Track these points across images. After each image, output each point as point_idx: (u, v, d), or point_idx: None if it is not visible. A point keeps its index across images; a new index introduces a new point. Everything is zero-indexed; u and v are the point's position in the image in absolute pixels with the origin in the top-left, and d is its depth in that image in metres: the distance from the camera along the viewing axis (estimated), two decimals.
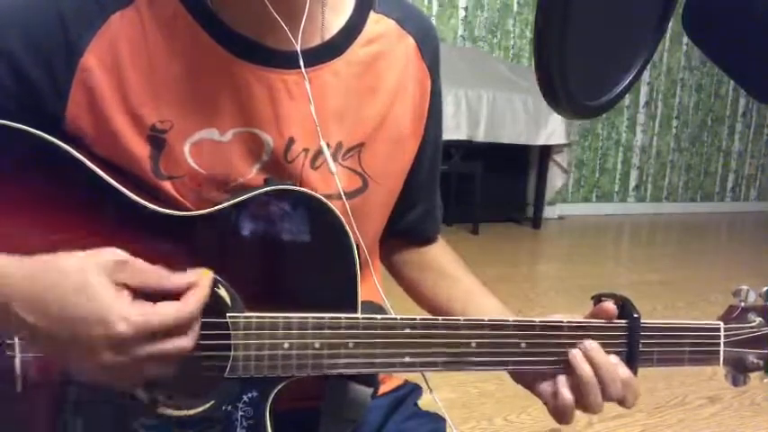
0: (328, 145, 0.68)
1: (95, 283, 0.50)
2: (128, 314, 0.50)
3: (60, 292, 0.50)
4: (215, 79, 0.64)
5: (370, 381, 0.64)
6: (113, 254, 0.53)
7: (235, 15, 0.64)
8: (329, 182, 0.68)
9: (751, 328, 0.70)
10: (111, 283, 0.51)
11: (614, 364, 0.64)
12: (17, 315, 0.50)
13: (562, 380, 0.65)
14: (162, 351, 0.52)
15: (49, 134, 0.58)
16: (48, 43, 0.60)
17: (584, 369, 0.64)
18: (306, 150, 0.67)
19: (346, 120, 0.69)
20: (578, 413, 0.65)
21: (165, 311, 0.52)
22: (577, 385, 0.64)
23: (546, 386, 0.67)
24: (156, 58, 0.63)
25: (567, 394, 0.64)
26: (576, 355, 0.64)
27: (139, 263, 0.53)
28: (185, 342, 0.53)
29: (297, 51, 0.65)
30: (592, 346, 0.64)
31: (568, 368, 0.64)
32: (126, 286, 0.52)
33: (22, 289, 0.50)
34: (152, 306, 0.51)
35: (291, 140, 0.66)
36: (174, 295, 0.54)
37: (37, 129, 0.57)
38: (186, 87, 0.63)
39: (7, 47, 0.60)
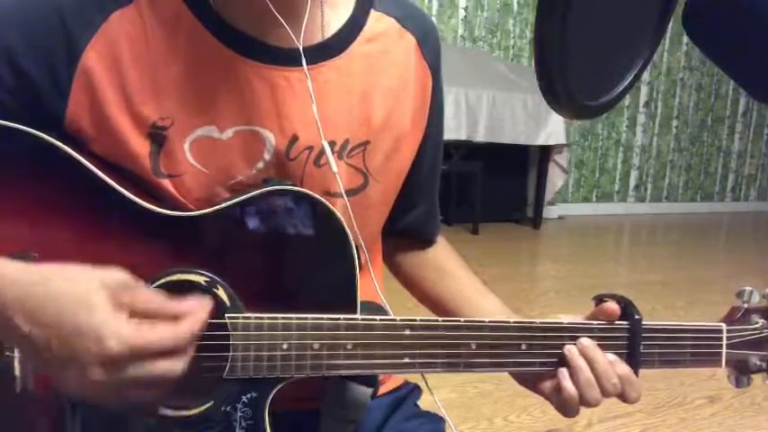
0: (333, 142, 0.68)
1: (95, 299, 0.49)
2: (121, 333, 0.49)
3: (60, 304, 0.49)
4: (216, 76, 0.64)
5: (370, 381, 0.64)
6: (118, 274, 0.52)
7: (237, 13, 0.64)
8: (331, 180, 0.68)
9: (754, 329, 0.70)
10: (110, 302, 0.50)
11: (610, 361, 0.65)
12: (14, 322, 0.49)
13: (564, 373, 0.65)
14: (151, 372, 0.50)
15: (49, 133, 0.58)
16: (48, 42, 0.60)
17: (580, 363, 0.64)
18: (310, 148, 0.67)
19: (352, 117, 0.69)
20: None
21: (160, 333, 0.50)
22: (575, 379, 0.64)
23: (548, 384, 0.67)
24: (157, 55, 0.63)
25: (570, 386, 0.64)
26: (571, 349, 0.65)
27: (141, 287, 0.53)
28: (175, 366, 0.52)
29: (298, 49, 0.65)
30: (586, 343, 0.65)
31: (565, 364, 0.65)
32: (126, 307, 0.51)
33: (23, 297, 0.50)
34: (147, 327, 0.50)
35: (295, 138, 0.66)
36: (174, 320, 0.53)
37: (37, 128, 0.57)
38: (187, 85, 0.63)
39: (7, 45, 0.60)
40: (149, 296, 0.53)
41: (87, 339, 0.48)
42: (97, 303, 0.49)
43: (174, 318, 0.52)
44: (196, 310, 0.53)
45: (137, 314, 0.51)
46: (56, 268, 0.51)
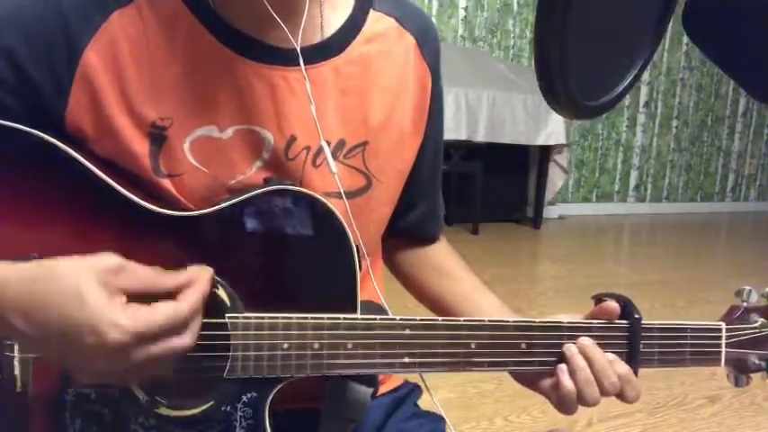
0: (328, 143, 0.68)
1: (87, 291, 0.49)
2: (119, 321, 0.48)
3: (53, 301, 0.49)
4: (216, 76, 0.64)
5: (370, 381, 0.64)
6: (109, 259, 0.51)
7: (235, 13, 0.64)
8: (330, 180, 0.68)
9: (753, 328, 0.70)
10: (103, 290, 0.49)
11: (609, 360, 0.65)
12: (11, 324, 0.49)
13: (563, 369, 0.65)
14: (159, 353, 0.50)
15: (50, 133, 0.58)
16: (48, 41, 0.60)
17: (578, 361, 0.64)
18: (307, 148, 0.67)
19: (348, 117, 0.69)
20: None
21: (159, 313, 0.50)
22: (574, 377, 0.64)
23: (547, 381, 0.67)
24: (156, 55, 0.63)
25: (568, 383, 0.64)
26: (570, 347, 0.65)
27: (135, 267, 0.52)
28: (183, 341, 0.52)
29: (296, 49, 0.65)
30: (586, 341, 0.65)
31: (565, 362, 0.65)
32: (122, 291, 0.50)
33: (16, 297, 0.49)
34: (146, 309, 0.50)
35: (293, 138, 0.66)
36: (174, 294, 0.53)
37: (38, 128, 0.57)
38: (187, 85, 0.63)
39: (7, 45, 0.60)
40: (142, 275, 0.52)
41: (86, 334, 0.48)
42: (89, 295, 0.48)
43: (174, 290, 0.52)
44: (195, 281, 0.53)
45: (133, 294, 0.51)
46: (44, 264, 0.51)
